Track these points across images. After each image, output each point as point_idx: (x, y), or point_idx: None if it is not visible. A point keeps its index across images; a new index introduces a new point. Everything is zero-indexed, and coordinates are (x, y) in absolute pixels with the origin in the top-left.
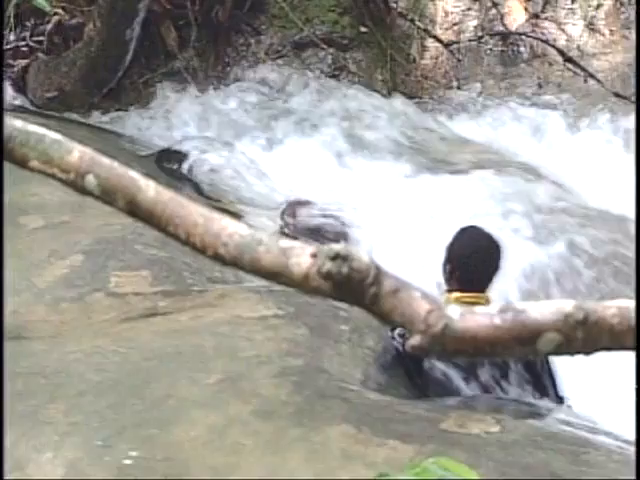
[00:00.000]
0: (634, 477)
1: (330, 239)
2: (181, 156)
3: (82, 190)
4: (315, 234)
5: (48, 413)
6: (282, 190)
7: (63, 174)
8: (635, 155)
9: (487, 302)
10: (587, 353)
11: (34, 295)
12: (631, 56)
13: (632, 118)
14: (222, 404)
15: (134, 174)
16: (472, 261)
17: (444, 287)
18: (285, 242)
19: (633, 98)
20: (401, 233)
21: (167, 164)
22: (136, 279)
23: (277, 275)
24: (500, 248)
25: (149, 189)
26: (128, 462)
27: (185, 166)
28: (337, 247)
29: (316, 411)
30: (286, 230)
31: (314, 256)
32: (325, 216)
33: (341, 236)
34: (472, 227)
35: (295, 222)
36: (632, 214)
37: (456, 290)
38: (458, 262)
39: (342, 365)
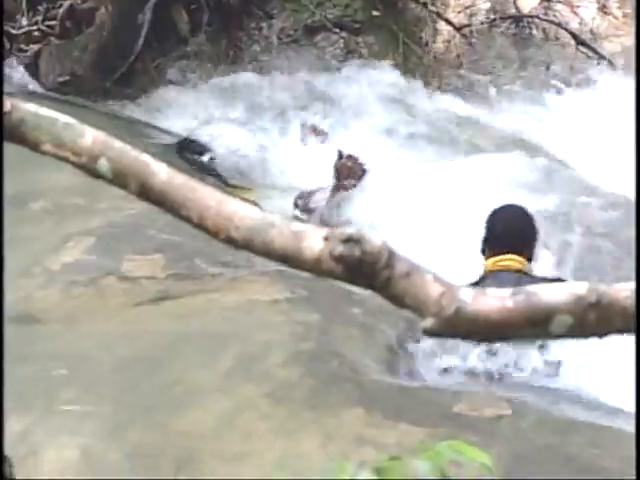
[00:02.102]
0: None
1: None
2: (200, 145)
3: (94, 173)
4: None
5: (62, 397)
6: (301, 176)
7: (75, 157)
8: (635, 146)
9: (524, 266)
10: (600, 335)
11: (47, 279)
12: None
13: None
14: (234, 388)
15: (146, 157)
16: (503, 224)
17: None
18: (297, 225)
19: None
20: (415, 217)
21: (188, 153)
22: (148, 263)
23: (289, 258)
24: (531, 215)
25: (161, 172)
26: (141, 447)
27: (205, 154)
28: (349, 230)
29: (329, 394)
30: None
31: (326, 239)
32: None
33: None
34: (506, 204)
35: (307, 209)
36: None
37: (491, 256)
38: (491, 228)
39: (354, 348)
